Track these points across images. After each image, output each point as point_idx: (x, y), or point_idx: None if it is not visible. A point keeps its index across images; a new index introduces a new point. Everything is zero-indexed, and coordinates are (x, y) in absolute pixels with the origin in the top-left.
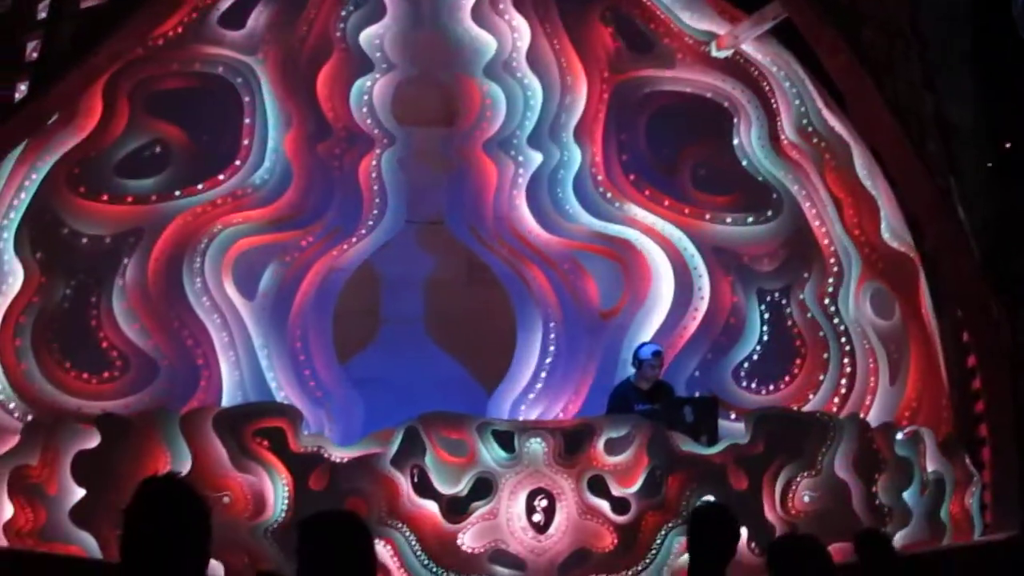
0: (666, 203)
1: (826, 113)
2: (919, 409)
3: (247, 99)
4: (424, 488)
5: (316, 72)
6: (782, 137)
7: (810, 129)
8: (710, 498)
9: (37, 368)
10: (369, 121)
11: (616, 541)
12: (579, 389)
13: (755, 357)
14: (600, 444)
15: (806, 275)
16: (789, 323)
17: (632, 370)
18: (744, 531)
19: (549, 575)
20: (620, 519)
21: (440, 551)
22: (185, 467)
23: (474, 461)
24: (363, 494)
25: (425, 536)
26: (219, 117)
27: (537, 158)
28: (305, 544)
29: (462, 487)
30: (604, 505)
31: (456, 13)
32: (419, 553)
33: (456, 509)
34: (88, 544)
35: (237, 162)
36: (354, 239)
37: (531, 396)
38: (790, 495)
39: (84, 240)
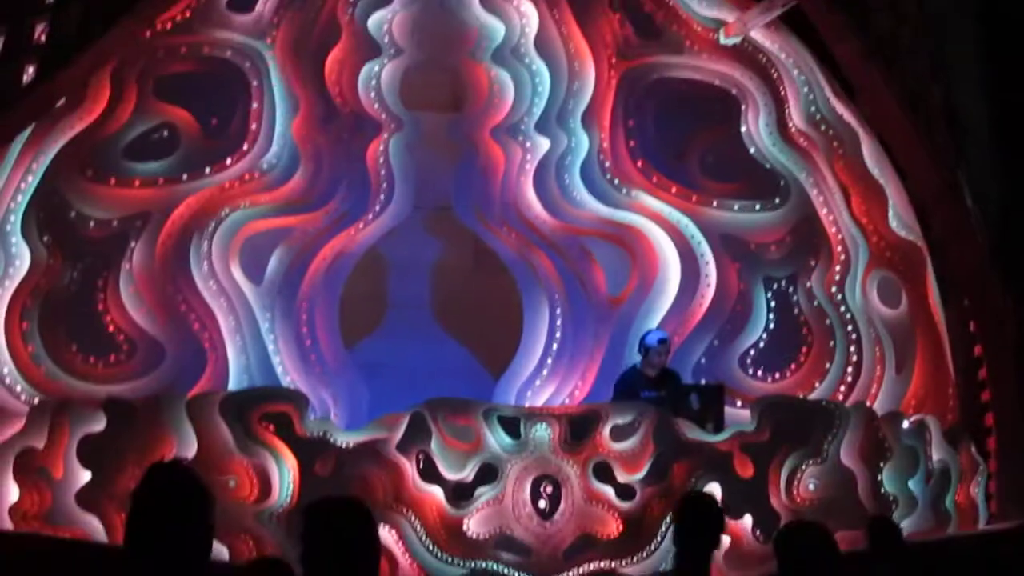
0: (673, 190)
1: (834, 101)
2: (925, 398)
3: (255, 83)
4: (430, 474)
5: (324, 57)
6: (790, 125)
7: (818, 117)
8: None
9: (44, 351)
10: (377, 106)
11: (621, 528)
12: (585, 376)
13: (761, 345)
14: (606, 431)
15: (813, 263)
16: (796, 311)
17: (638, 357)
18: (749, 519)
19: (554, 561)
20: (625, 506)
21: (445, 537)
22: (191, 451)
23: (480, 447)
24: (369, 479)
25: (430, 522)
26: (227, 101)
27: (545, 144)
28: (309, 529)
29: (468, 473)
30: (609, 492)
31: None
32: (424, 539)
33: (462, 495)
34: (94, 527)
35: (245, 146)
36: (361, 224)
37: (537, 382)
38: (795, 483)
39: (91, 223)
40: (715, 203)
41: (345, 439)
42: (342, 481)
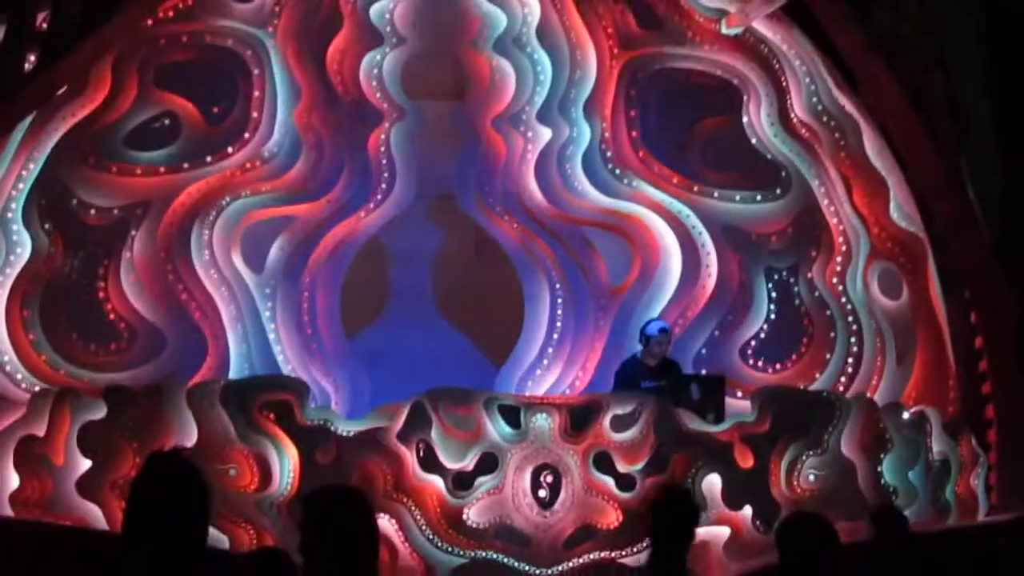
0: (675, 180)
1: (836, 92)
2: (926, 389)
3: (257, 72)
4: (430, 463)
5: (326, 45)
6: (792, 116)
7: (820, 108)
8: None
9: (45, 339)
10: (379, 95)
11: (621, 518)
12: (586, 365)
13: (762, 335)
14: (606, 421)
15: (814, 254)
16: (797, 302)
17: (639, 347)
18: (749, 509)
19: (554, 551)
20: (625, 496)
21: (445, 526)
22: (191, 439)
23: (480, 436)
24: (369, 469)
25: (430, 511)
26: (228, 90)
27: (546, 133)
28: (308, 519)
29: (468, 462)
30: (609, 482)
31: None
32: (424, 528)
33: (462, 484)
34: (94, 515)
35: (246, 135)
36: (363, 213)
37: (538, 372)
38: (795, 474)
39: (92, 211)
40: (716, 194)
41: (346, 428)
42: (343, 470)
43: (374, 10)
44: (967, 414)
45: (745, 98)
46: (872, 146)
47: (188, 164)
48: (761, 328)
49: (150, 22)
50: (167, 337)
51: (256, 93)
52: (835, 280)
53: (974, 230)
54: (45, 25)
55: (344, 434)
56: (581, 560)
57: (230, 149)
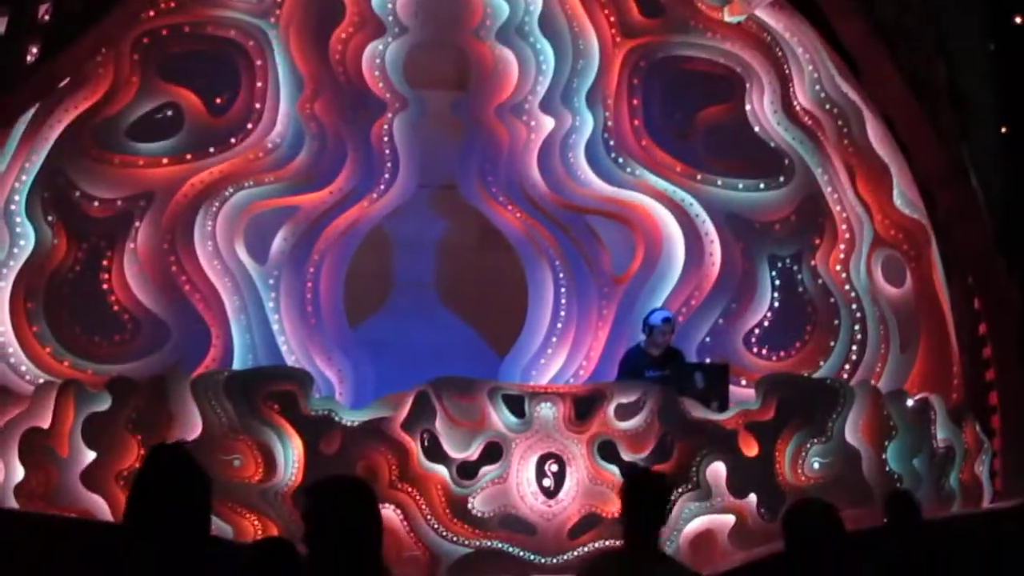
0: (678, 169)
1: (839, 80)
2: (930, 377)
3: (259, 63)
4: (435, 452)
5: (328, 35)
6: (795, 104)
7: (823, 96)
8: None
9: (49, 331)
10: (381, 85)
11: None
12: (590, 354)
13: (766, 323)
14: (611, 409)
15: (818, 242)
16: (800, 289)
17: (643, 336)
18: (753, 497)
19: (559, 540)
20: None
21: (450, 515)
22: (195, 430)
23: (485, 426)
24: (374, 458)
25: (435, 500)
26: (231, 80)
27: (549, 123)
28: (313, 509)
29: (473, 451)
30: (614, 470)
31: None
32: (429, 517)
33: (467, 474)
34: (99, 506)
35: (249, 125)
36: (366, 203)
37: (542, 361)
38: (800, 461)
39: (96, 203)
40: (720, 182)
41: (350, 418)
42: (347, 460)
43: (377, 0)
44: (971, 401)
45: (748, 86)
46: (875, 134)
47: (191, 155)
48: (765, 316)
49: (152, 13)
50: (171, 328)
51: (259, 84)
52: (839, 268)
53: (977, 218)
54: (47, 17)
55: (348, 424)
56: (586, 549)
57: (233, 140)
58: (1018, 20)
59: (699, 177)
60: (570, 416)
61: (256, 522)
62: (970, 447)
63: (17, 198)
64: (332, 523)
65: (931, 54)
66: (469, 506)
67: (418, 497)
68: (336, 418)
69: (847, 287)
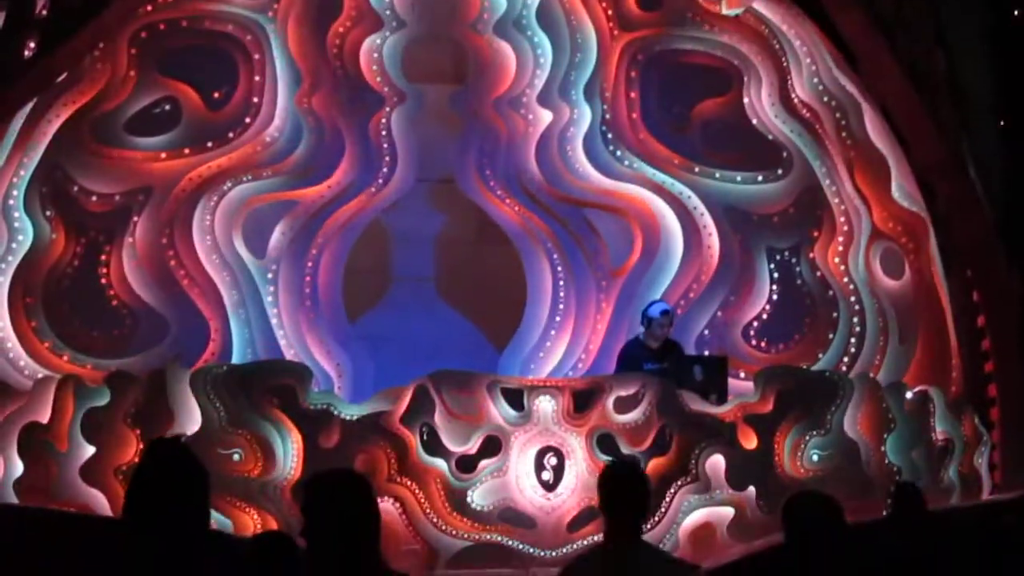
0: (676, 161)
1: (837, 72)
2: (928, 369)
3: (257, 57)
4: (434, 446)
5: (326, 30)
6: (793, 96)
7: (821, 88)
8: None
9: (48, 326)
10: (379, 79)
11: None
12: (589, 348)
13: (764, 316)
14: (610, 403)
15: (816, 234)
16: (799, 282)
17: (641, 329)
18: (752, 490)
19: (558, 533)
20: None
21: (449, 509)
22: (194, 424)
23: (484, 419)
24: (373, 452)
25: (434, 494)
26: (229, 75)
27: (547, 116)
28: (310, 503)
29: (472, 445)
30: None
31: None
32: (428, 511)
33: (466, 467)
34: (98, 501)
35: (247, 120)
36: (364, 197)
37: (541, 355)
38: (799, 454)
39: (94, 198)
40: (718, 174)
41: (349, 412)
42: (346, 454)
43: None
44: (970, 393)
45: (746, 79)
46: (873, 126)
47: (189, 149)
48: (763, 309)
49: (149, 8)
50: (170, 323)
51: (257, 78)
52: (837, 260)
53: (976, 210)
54: (44, 12)
55: (347, 418)
56: (585, 542)
57: (231, 134)
58: (1017, 12)
59: (697, 170)
60: (569, 409)
61: (255, 516)
62: (969, 439)
63: (15, 193)
64: (330, 517)
65: (930, 46)
66: (468, 499)
67: (417, 491)
68: (335, 412)
69: (846, 279)
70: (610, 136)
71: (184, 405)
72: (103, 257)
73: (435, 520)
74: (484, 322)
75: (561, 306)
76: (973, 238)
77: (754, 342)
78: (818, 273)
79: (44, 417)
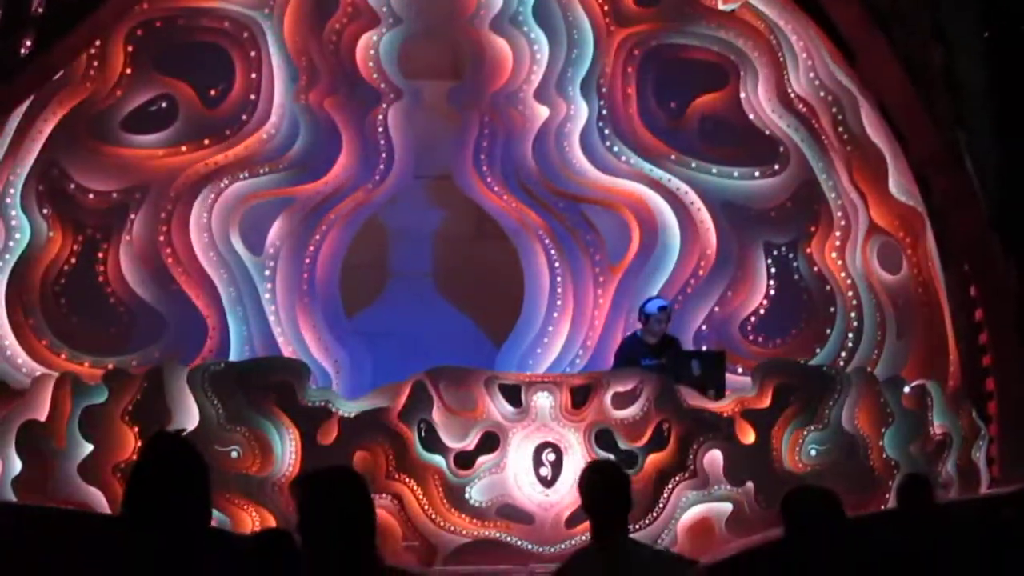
0: (673, 157)
1: (833, 67)
2: (926, 363)
3: (253, 54)
4: (432, 442)
5: (323, 27)
6: (789, 91)
7: (817, 83)
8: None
9: (45, 324)
10: (376, 75)
11: None
12: (587, 343)
13: (762, 311)
14: (608, 398)
15: (813, 229)
16: (796, 277)
17: (639, 324)
18: (750, 485)
19: (556, 529)
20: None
21: (448, 505)
22: (192, 422)
23: (482, 415)
24: (371, 448)
25: (432, 490)
26: (226, 72)
27: (544, 112)
28: (305, 500)
29: (470, 441)
30: (612, 459)
31: None
32: (426, 507)
33: (464, 463)
34: (96, 499)
35: (244, 117)
36: (362, 193)
37: (539, 350)
38: (797, 449)
39: (91, 195)
40: (715, 170)
41: (347, 408)
42: (344, 450)
43: None
44: (968, 387)
45: (742, 74)
46: (870, 120)
47: (186, 147)
48: (761, 304)
49: (146, 5)
50: (167, 320)
51: (253, 75)
52: (834, 255)
53: (972, 203)
54: (41, 9)
55: (345, 415)
56: (584, 538)
57: (228, 131)
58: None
59: (694, 165)
60: (567, 405)
61: (253, 513)
62: (967, 433)
63: (12, 191)
64: (325, 514)
65: (927, 40)
66: (466, 496)
67: (415, 487)
68: (333, 408)
69: (843, 274)
70: (607, 131)
71: (182, 402)
72: (100, 255)
73: (433, 516)
74: (482, 318)
75: (559, 302)
76: (970, 232)
77: (752, 337)
78: (815, 268)
79: (42, 415)
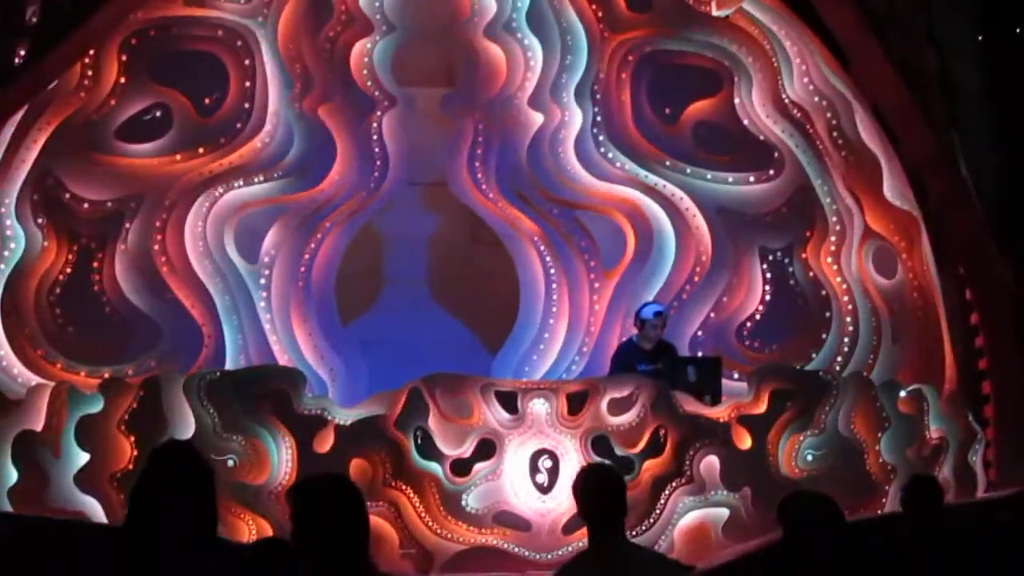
0: (667, 162)
1: (827, 71)
2: (922, 367)
3: (247, 62)
4: (428, 450)
5: (316, 34)
6: (784, 96)
7: (811, 87)
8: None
9: (41, 333)
10: (370, 83)
11: None
12: (583, 350)
13: (758, 316)
14: (604, 404)
15: (808, 234)
16: (792, 282)
17: (635, 330)
18: (747, 490)
19: (553, 536)
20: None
21: (444, 513)
22: (188, 430)
23: (478, 422)
24: (367, 456)
25: (429, 498)
26: (220, 80)
27: (538, 118)
28: (298, 508)
29: (466, 448)
30: (606, 462)
31: None
32: (423, 515)
33: (460, 470)
34: (92, 508)
35: (238, 125)
36: (356, 201)
37: (535, 357)
38: (793, 454)
39: (85, 205)
40: (710, 175)
41: (343, 416)
42: (340, 458)
43: None
44: (964, 390)
45: (736, 79)
46: (864, 125)
47: (180, 155)
48: (756, 309)
49: (139, 14)
50: (163, 329)
51: (247, 83)
52: (830, 260)
53: (968, 207)
54: (34, 19)
55: (341, 422)
56: (581, 544)
57: (222, 139)
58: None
59: (689, 171)
60: (563, 411)
61: (250, 521)
62: (963, 437)
63: (7, 201)
64: (319, 521)
65: (921, 43)
66: (463, 503)
67: (412, 495)
68: (329, 416)
69: (838, 279)
70: (601, 137)
71: (178, 411)
72: (95, 264)
73: (430, 524)
74: (477, 325)
75: (554, 308)
76: (965, 235)
77: (747, 342)
78: (811, 273)
79: (38, 425)
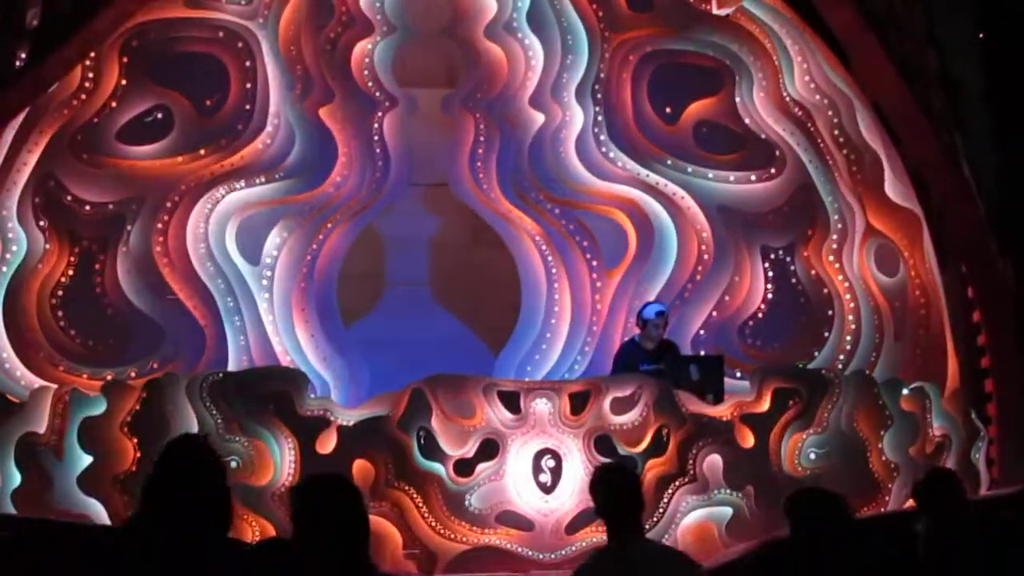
0: (669, 162)
1: (828, 70)
2: (924, 365)
3: (248, 64)
4: (431, 450)
5: (317, 35)
6: (785, 95)
7: (813, 86)
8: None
9: (43, 336)
10: (371, 84)
11: None
12: (585, 349)
13: (760, 315)
14: (606, 404)
15: (810, 232)
16: (793, 280)
17: (637, 330)
18: (751, 489)
19: (556, 535)
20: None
21: (448, 513)
22: (191, 432)
23: (481, 422)
24: (370, 457)
25: (432, 498)
26: (220, 82)
27: (539, 118)
28: (298, 508)
29: (469, 448)
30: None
31: None
32: (426, 515)
33: (463, 471)
34: (96, 510)
35: (239, 126)
36: (357, 202)
37: (537, 356)
38: (796, 452)
39: (87, 207)
40: (711, 174)
41: (345, 417)
42: (343, 459)
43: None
44: (966, 388)
45: (738, 78)
46: (866, 124)
47: (182, 157)
48: (758, 308)
49: (140, 16)
50: (165, 331)
51: (248, 85)
52: (832, 258)
53: (969, 205)
54: (35, 21)
55: (344, 423)
56: (584, 544)
57: (224, 141)
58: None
59: (690, 170)
60: (566, 411)
61: (253, 523)
62: (966, 435)
63: (8, 203)
64: (320, 521)
65: (922, 42)
66: (466, 503)
67: (415, 495)
68: (332, 417)
69: (840, 277)
70: (602, 137)
71: (180, 413)
72: (97, 266)
73: (433, 524)
74: (479, 325)
75: (556, 308)
76: (967, 234)
77: (750, 341)
78: (813, 272)
79: (41, 427)
